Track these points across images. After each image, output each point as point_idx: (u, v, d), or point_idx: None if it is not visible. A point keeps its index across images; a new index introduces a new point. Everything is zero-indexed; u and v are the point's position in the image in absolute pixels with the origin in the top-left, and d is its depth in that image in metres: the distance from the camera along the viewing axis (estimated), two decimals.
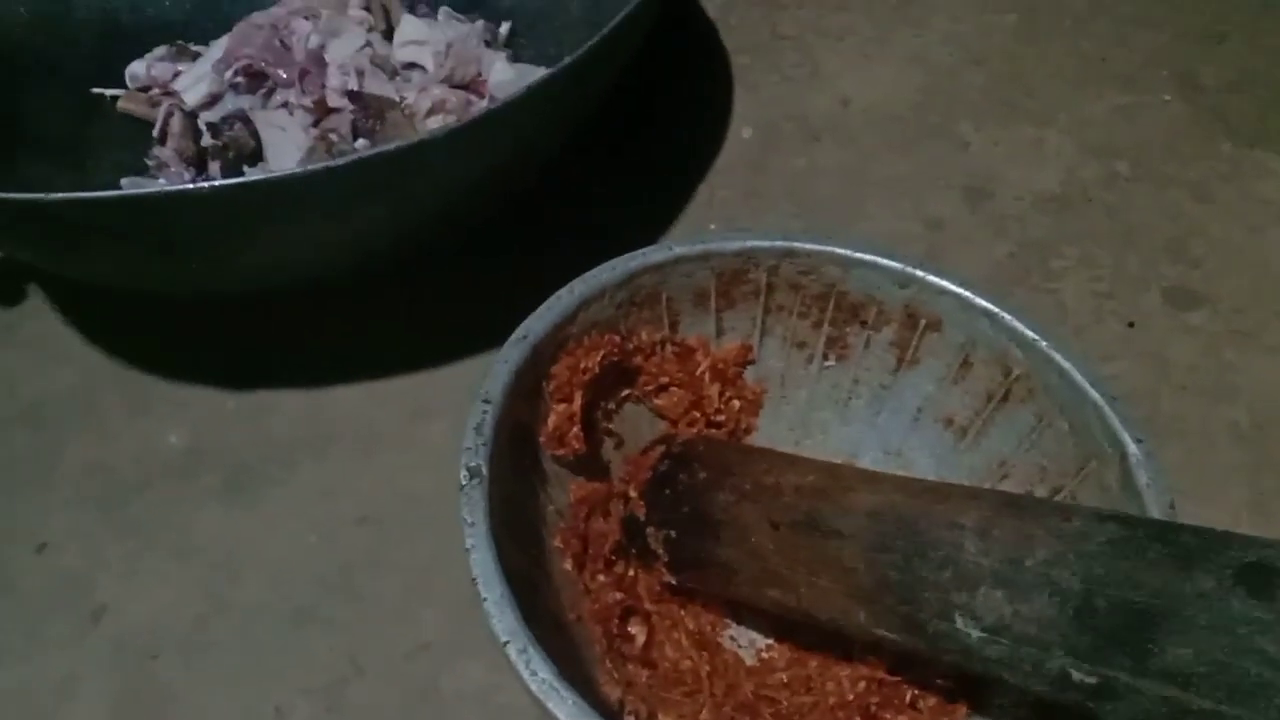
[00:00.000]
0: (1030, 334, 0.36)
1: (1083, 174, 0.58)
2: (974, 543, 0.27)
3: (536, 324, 0.35)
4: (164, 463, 0.48)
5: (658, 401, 0.40)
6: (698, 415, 0.40)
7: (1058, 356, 0.35)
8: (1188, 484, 0.45)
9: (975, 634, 0.27)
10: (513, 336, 0.34)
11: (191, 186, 0.35)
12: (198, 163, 0.58)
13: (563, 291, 0.36)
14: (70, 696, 0.41)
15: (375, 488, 0.46)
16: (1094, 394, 0.34)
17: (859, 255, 0.38)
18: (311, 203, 0.39)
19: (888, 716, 0.35)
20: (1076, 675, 0.25)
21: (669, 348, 0.40)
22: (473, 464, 0.30)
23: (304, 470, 0.47)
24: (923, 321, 0.38)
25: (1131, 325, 0.50)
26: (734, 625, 0.39)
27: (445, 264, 0.53)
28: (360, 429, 0.48)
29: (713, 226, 0.56)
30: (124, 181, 0.57)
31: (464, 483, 0.30)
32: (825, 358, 0.41)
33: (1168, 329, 0.50)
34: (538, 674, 0.26)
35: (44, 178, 0.53)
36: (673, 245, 0.38)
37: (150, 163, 0.59)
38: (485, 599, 0.28)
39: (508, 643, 0.27)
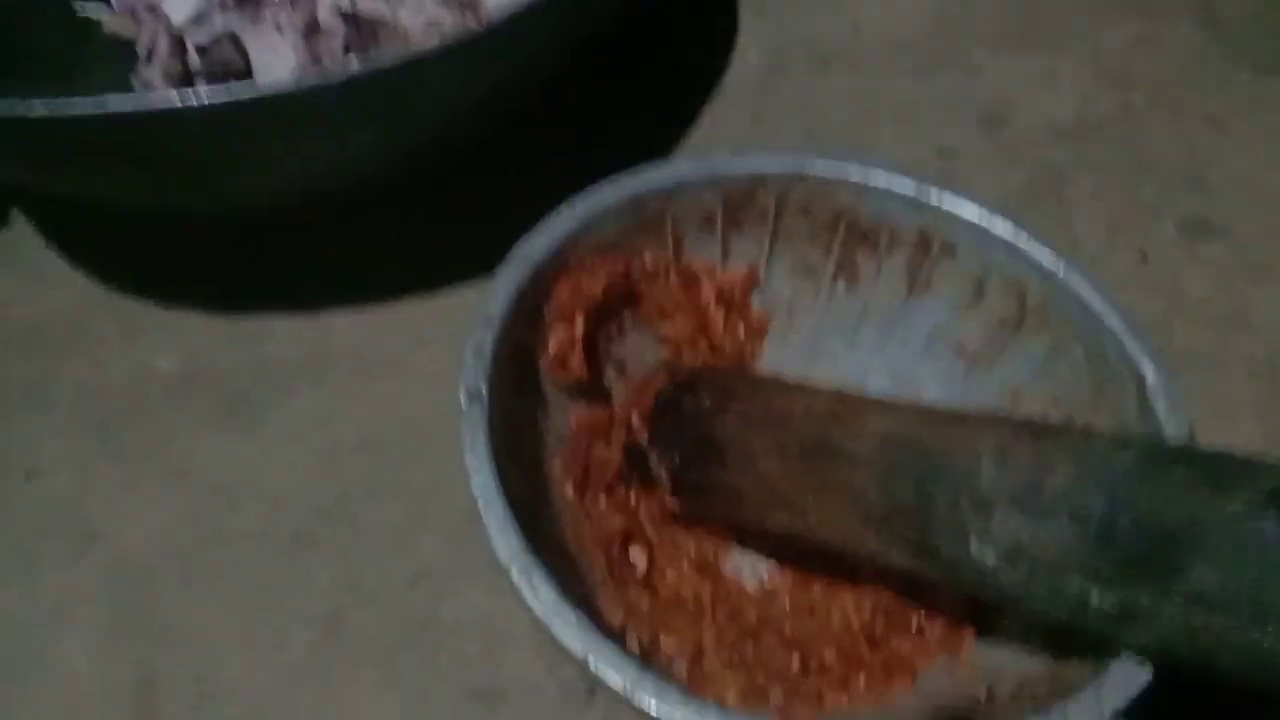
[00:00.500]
0: (1047, 263, 0.35)
1: (1098, 103, 0.56)
2: (991, 466, 0.26)
3: (537, 243, 0.34)
4: (158, 387, 0.47)
5: (661, 327, 0.39)
6: (702, 342, 0.40)
7: (1075, 286, 0.34)
8: (1201, 415, 0.44)
9: (991, 558, 0.26)
10: (511, 256, 0.33)
11: (178, 101, 0.33)
12: (185, 83, 0.56)
13: (563, 209, 0.34)
14: (63, 622, 0.40)
15: (374, 414, 0.45)
16: (1112, 320, 0.33)
17: (873, 179, 0.37)
18: (302, 120, 0.38)
19: (894, 641, 0.34)
20: (1096, 599, 0.24)
21: (673, 272, 0.39)
22: (472, 386, 0.30)
23: (301, 396, 0.46)
24: (937, 247, 0.37)
25: (1145, 256, 0.49)
26: (736, 551, 0.39)
27: (441, 185, 0.51)
28: (358, 355, 0.47)
29: (717, 149, 0.54)
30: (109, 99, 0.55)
31: (464, 405, 0.29)
32: (834, 284, 0.40)
33: (1182, 260, 0.49)
34: (542, 595, 0.26)
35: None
36: (679, 165, 0.37)
37: (137, 83, 0.57)
38: (487, 523, 0.27)
39: (510, 565, 0.26)
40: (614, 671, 0.25)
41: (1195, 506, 0.23)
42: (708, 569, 0.38)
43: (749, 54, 0.60)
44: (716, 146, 0.55)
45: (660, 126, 0.56)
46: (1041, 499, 0.25)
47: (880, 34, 0.61)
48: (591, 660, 0.25)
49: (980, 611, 0.34)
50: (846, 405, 0.31)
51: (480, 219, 0.48)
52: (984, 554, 0.26)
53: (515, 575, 0.26)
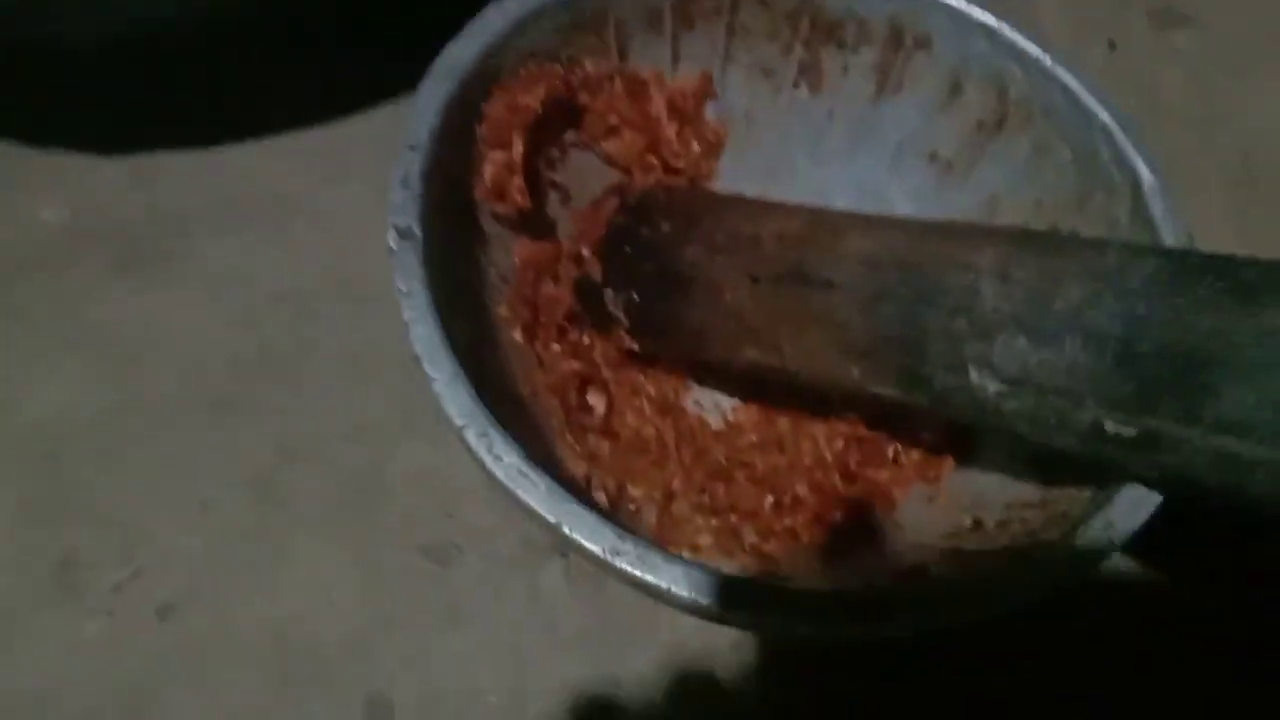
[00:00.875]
0: (1034, 50, 0.32)
1: None
2: (991, 285, 0.24)
3: (462, 52, 0.29)
4: (42, 241, 0.42)
5: (607, 147, 0.35)
6: (654, 160, 0.36)
7: (1064, 74, 0.31)
8: None
9: (993, 387, 0.24)
10: (434, 68, 0.29)
11: None
12: None
13: (489, 11, 0.30)
14: None
15: (290, 261, 0.41)
16: (1104, 116, 0.31)
17: None
18: None
19: (869, 472, 0.33)
20: (1112, 427, 0.22)
21: (619, 81, 0.34)
22: (402, 223, 0.26)
23: (203, 244, 0.41)
24: (910, 39, 0.34)
25: (1113, 46, 0.46)
26: (697, 389, 0.37)
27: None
28: (264, 195, 0.42)
29: None
30: None
31: (394, 246, 0.25)
32: (796, 87, 0.36)
33: (1153, 51, 0.46)
34: (503, 459, 0.23)
35: None
36: None
37: None
38: (434, 379, 0.24)
39: (465, 426, 0.23)
40: (590, 539, 0.22)
41: (1226, 322, 0.20)
42: (669, 408, 0.36)
43: None
44: None
45: None
46: (1050, 320, 0.23)
47: None
48: (565, 527, 0.22)
49: (960, 438, 0.32)
50: (823, 225, 0.28)
51: (397, 24, 0.42)
52: (984, 382, 0.24)
53: (472, 438, 0.23)
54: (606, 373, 0.35)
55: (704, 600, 0.21)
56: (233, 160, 0.43)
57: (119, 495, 0.37)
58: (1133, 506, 0.24)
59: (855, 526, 0.32)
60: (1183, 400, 0.21)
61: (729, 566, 0.30)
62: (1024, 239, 0.24)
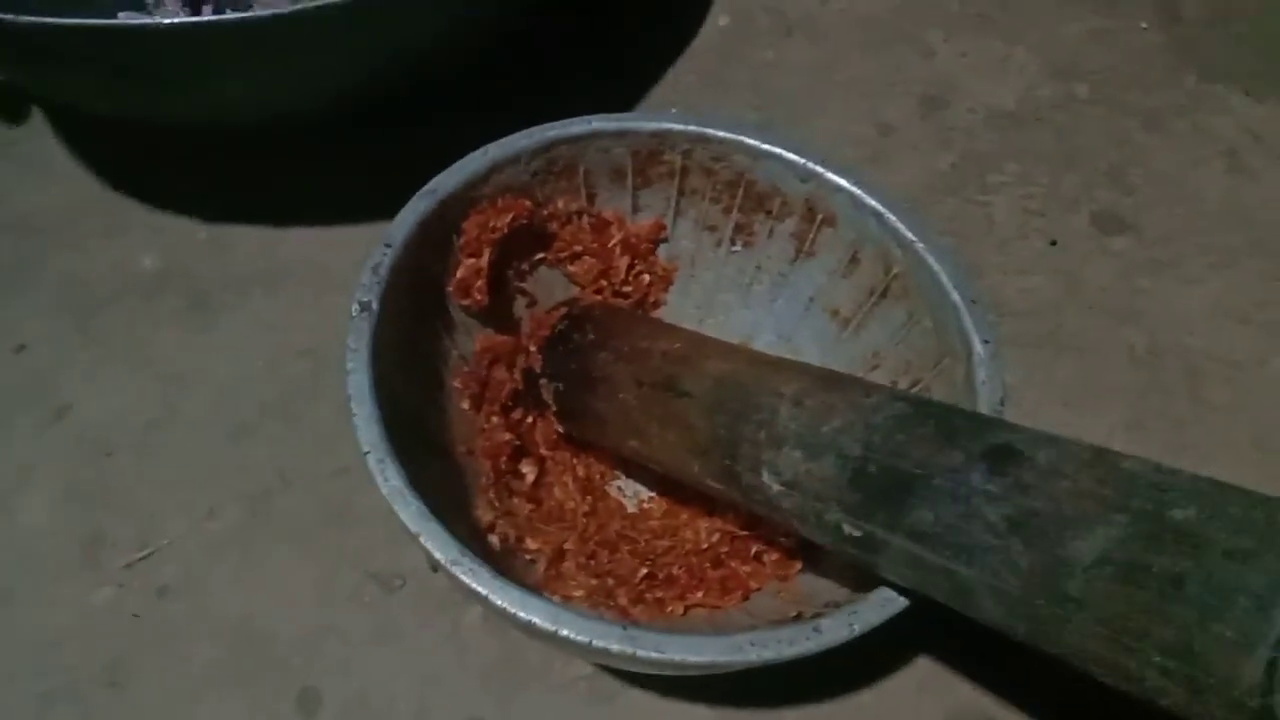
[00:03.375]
0: (910, 235, 0.38)
1: (1040, 93, 0.59)
2: (788, 409, 0.30)
3: (447, 180, 0.38)
4: (135, 282, 0.52)
5: (570, 268, 0.43)
6: (605, 284, 0.44)
7: (930, 258, 0.38)
8: (1074, 397, 0.48)
9: (775, 487, 0.30)
10: (423, 189, 0.37)
11: (139, 22, 0.37)
12: (194, 6, 0.61)
13: (476, 153, 0.38)
14: (29, 482, 0.45)
15: (320, 324, 0.50)
16: (955, 295, 0.37)
17: (766, 146, 0.40)
18: (284, 45, 0.42)
19: (734, 564, 0.39)
20: (847, 528, 0.28)
21: (585, 218, 0.43)
22: (364, 299, 0.34)
23: (256, 301, 0.51)
24: (820, 216, 0.41)
25: (1054, 243, 0.52)
26: (622, 477, 0.43)
27: (407, 121, 0.55)
28: (311, 269, 0.52)
29: (674, 110, 0.58)
30: (120, 15, 0.59)
31: (354, 314, 0.34)
32: (733, 243, 0.44)
33: (1089, 251, 0.52)
34: (389, 481, 0.30)
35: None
36: (591, 119, 0.40)
37: (149, 1, 0.61)
38: (355, 414, 0.31)
39: (368, 452, 0.31)
40: (438, 549, 0.29)
41: (927, 456, 0.27)
42: (592, 488, 0.42)
43: (720, 17, 0.63)
44: (675, 102, 0.58)
45: (623, 82, 0.59)
46: (818, 439, 0.29)
47: (846, 7, 0.63)
48: (422, 538, 0.29)
49: (810, 548, 0.38)
50: (697, 349, 0.35)
51: (436, 155, 0.52)
52: (770, 482, 0.30)
53: (372, 462, 0.31)
54: (544, 450, 0.42)
55: (505, 605, 0.28)
56: (293, 238, 0.53)
57: (147, 491, 0.45)
58: (881, 604, 0.30)
59: (710, 606, 0.38)
60: (890, 511, 0.27)
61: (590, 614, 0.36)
62: (822, 377, 0.31)
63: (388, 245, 0.35)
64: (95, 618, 0.42)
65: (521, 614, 0.28)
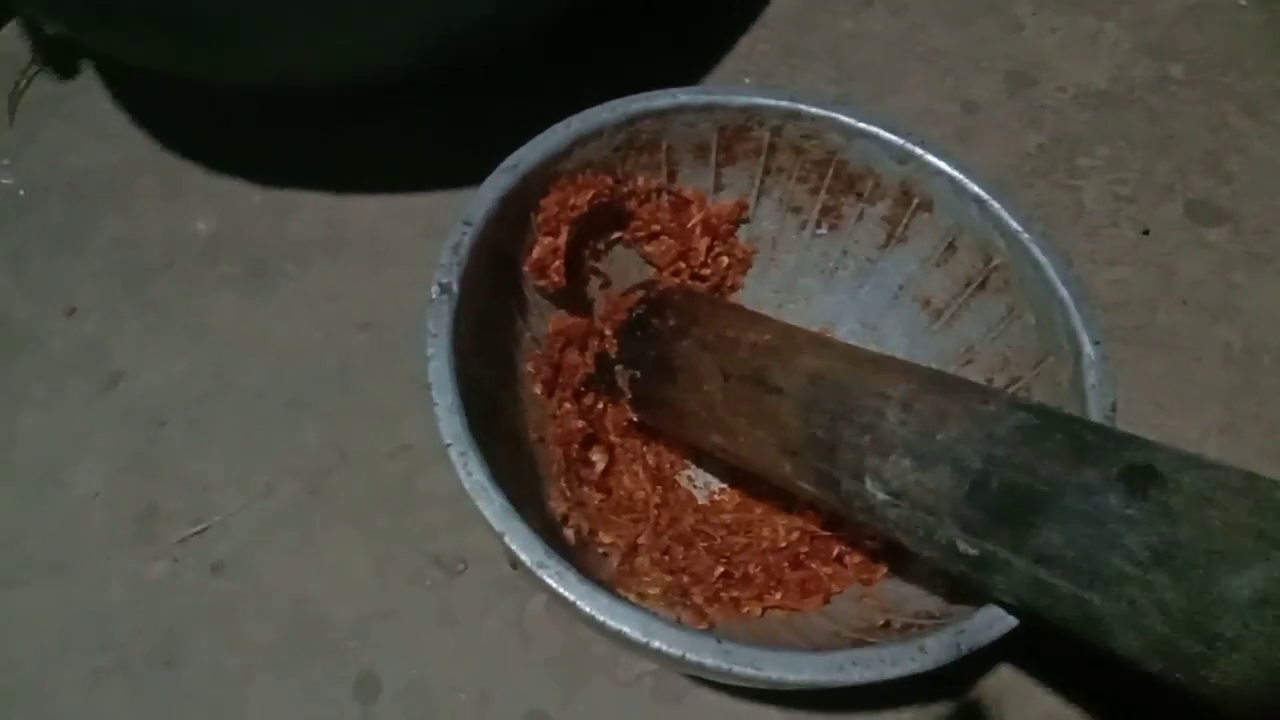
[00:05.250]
0: (1015, 225, 0.36)
1: (1133, 72, 0.56)
2: (895, 413, 0.28)
3: (528, 154, 0.36)
4: (189, 246, 0.51)
5: (647, 248, 0.41)
6: (683, 266, 0.42)
7: (1036, 250, 0.35)
8: (1166, 397, 0.45)
9: (880, 495, 0.28)
10: (503, 164, 0.35)
11: None
12: None
13: (558, 126, 0.36)
14: (82, 451, 0.44)
15: (380, 297, 0.48)
16: (1063, 291, 0.35)
17: (862, 125, 0.38)
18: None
19: (815, 566, 0.37)
20: (962, 545, 0.26)
21: (665, 196, 0.41)
22: (444, 280, 0.32)
23: (315, 271, 0.49)
24: (916, 200, 0.39)
25: (1146, 233, 0.50)
26: (693, 467, 0.42)
27: (475, 92, 0.53)
28: (373, 239, 0.50)
29: (747, 80, 0.55)
30: None
31: (433, 296, 0.32)
32: (818, 225, 0.41)
33: (1183, 242, 0.50)
34: (473, 475, 0.29)
35: None
36: (676, 92, 0.38)
37: None
38: (436, 404, 0.30)
39: (450, 445, 0.29)
40: (523, 550, 0.28)
41: (1057, 473, 0.25)
42: (662, 477, 0.41)
43: None
44: (749, 73, 0.56)
45: (696, 51, 0.57)
46: (931, 448, 0.27)
47: None
48: (506, 537, 0.28)
49: (897, 552, 0.36)
50: (788, 341, 0.33)
51: (504, 127, 0.50)
52: (875, 491, 0.28)
53: (454, 454, 0.29)
54: (614, 437, 0.41)
55: (593, 613, 0.27)
56: (354, 207, 0.51)
57: (202, 464, 0.44)
58: (988, 623, 0.28)
59: (789, 609, 0.36)
60: (1013, 531, 0.25)
61: (666, 615, 0.34)
62: (931, 380, 0.29)
63: (467, 223, 0.33)
64: (148, 593, 0.41)
65: (611, 623, 0.27)
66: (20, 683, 0.39)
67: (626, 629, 0.27)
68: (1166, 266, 0.49)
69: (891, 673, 0.27)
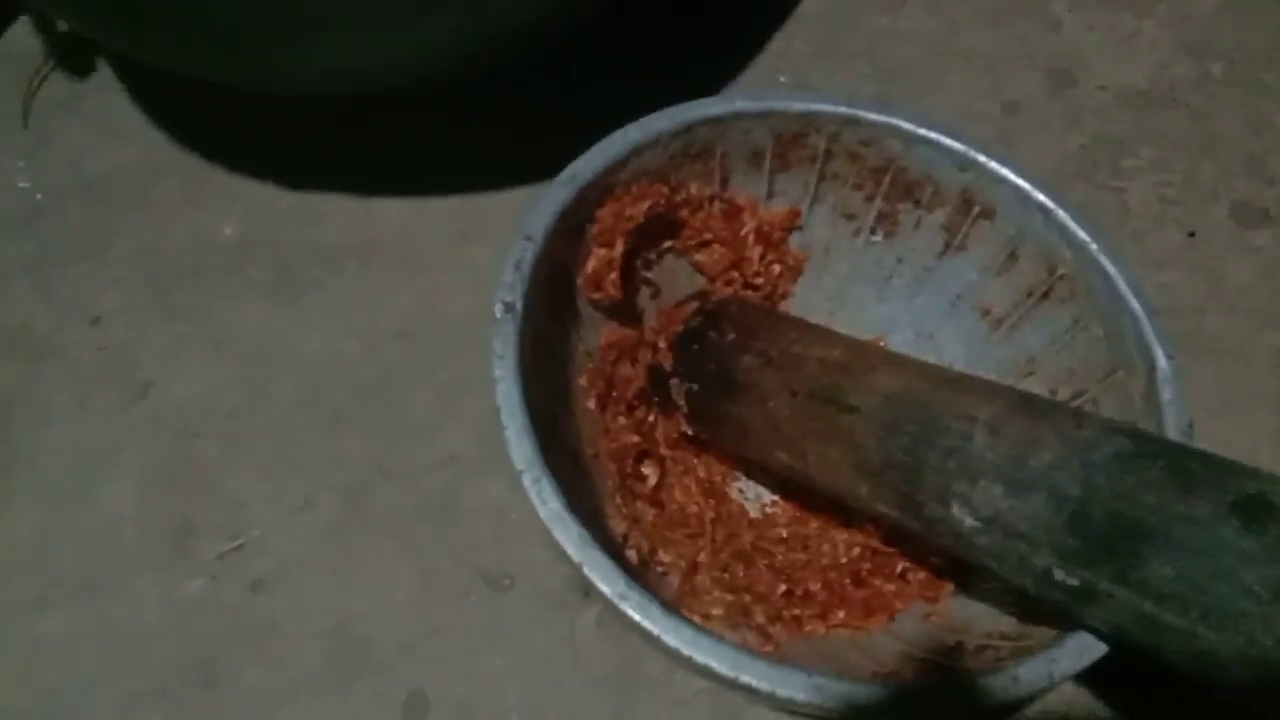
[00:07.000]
0: (1082, 235, 0.35)
1: (1174, 71, 0.55)
2: (983, 436, 0.28)
3: (585, 166, 0.35)
4: (215, 252, 0.49)
5: (698, 257, 0.40)
6: (736, 275, 0.41)
7: (1105, 261, 0.35)
8: (1216, 404, 0.45)
9: (969, 522, 0.27)
10: (560, 176, 0.34)
11: None
12: None
13: (616, 135, 0.35)
14: (111, 466, 0.43)
15: (415, 304, 0.47)
16: (1134, 303, 0.34)
17: (923, 131, 0.37)
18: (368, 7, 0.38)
19: (877, 582, 0.36)
20: (1059, 575, 0.26)
21: (717, 204, 0.40)
22: (508, 299, 0.31)
23: (348, 277, 0.48)
24: (977, 208, 0.38)
25: (1192, 235, 0.49)
26: (743, 479, 0.41)
27: (506, 91, 0.52)
28: (405, 244, 0.49)
29: (782, 79, 0.54)
30: None
31: (498, 315, 0.31)
32: (873, 232, 0.41)
33: (1229, 245, 0.49)
34: (548, 503, 0.28)
35: None
36: (735, 99, 0.37)
37: None
38: (506, 428, 0.29)
39: (523, 471, 0.28)
40: (604, 581, 0.27)
41: (1164, 503, 0.24)
42: (714, 491, 0.40)
43: None
44: (784, 72, 0.55)
45: (730, 48, 0.56)
46: (1024, 474, 0.26)
47: None
48: (585, 568, 0.27)
49: (961, 568, 0.35)
50: (859, 358, 0.33)
51: (537, 129, 0.49)
52: (963, 517, 0.28)
53: (527, 482, 0.28)
54: (664, 450, 0.40)
55: (679, 647, 0.26)
56: (386, 211, 0.50)
57: (237, 479, 0.43)
58: (1079, 651, 0.27)
59: (853, 628, 0.35)
60: (1117, 562, 0.24)
61: (731, 637, 0.33)
62: (1019, 401, 0.28)
63: (528, 238, 0.32)
64: (187, 611, 0.40)
65: (698, 657, 0.26)
66: (57, 709, 0.38)
67: (714, 664, 0.26)
68: (1214, 271, 0.48)
69: (985, 704, 0.26)
